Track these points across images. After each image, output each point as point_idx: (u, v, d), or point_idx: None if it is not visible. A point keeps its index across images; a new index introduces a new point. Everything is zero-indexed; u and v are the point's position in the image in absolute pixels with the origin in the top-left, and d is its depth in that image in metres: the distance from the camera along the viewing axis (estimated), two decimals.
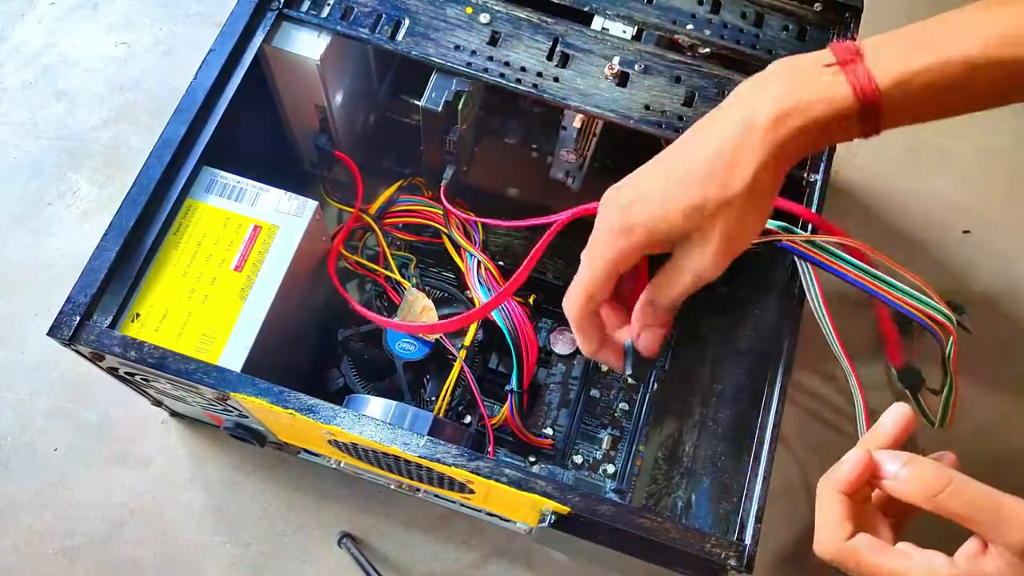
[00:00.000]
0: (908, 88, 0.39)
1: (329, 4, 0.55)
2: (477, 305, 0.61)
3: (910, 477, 0.37)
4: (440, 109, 0.54)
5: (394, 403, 0.53)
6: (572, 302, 0.46)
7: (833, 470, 0.39)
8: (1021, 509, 0.35)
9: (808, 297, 0.48)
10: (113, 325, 0.46)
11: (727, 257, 0.42)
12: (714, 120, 0.42)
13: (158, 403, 0.61)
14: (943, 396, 0.49)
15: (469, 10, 0.55)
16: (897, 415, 0.40)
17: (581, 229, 0.69)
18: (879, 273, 0.47)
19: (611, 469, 0.63)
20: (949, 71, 0.38)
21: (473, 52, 0.54)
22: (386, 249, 0.64)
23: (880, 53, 0.40)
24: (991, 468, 0.67)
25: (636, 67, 0.54)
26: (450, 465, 0.44)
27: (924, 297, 0.46)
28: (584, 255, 0.45)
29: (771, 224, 0.48)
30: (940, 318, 0.46)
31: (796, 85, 0.40)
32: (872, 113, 0.39)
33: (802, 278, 0.49)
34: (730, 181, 0.40)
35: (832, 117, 0.39)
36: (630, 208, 0.42)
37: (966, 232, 0.75)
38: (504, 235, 0.69)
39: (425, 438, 0.45)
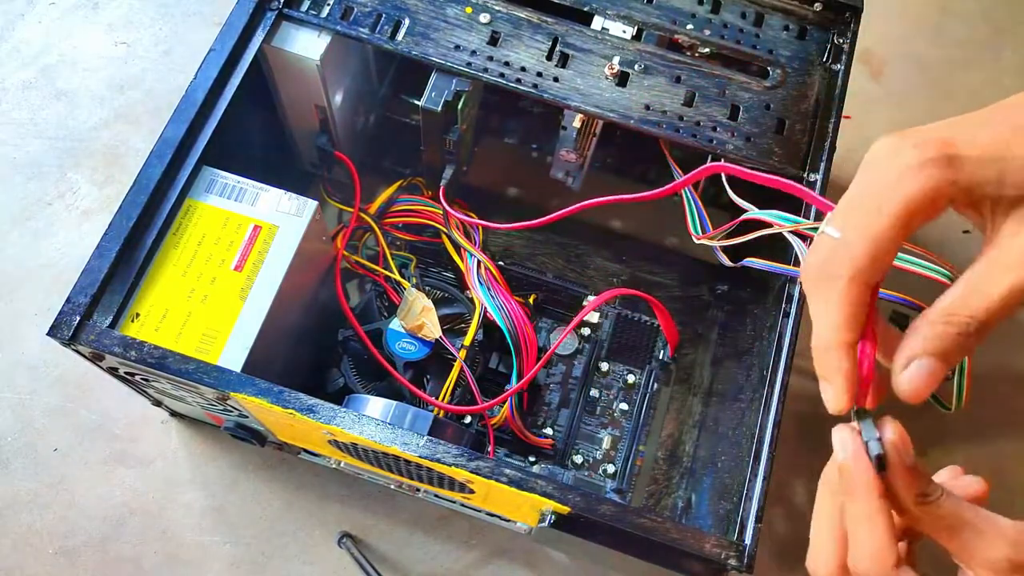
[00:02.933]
0: None
1: (329, 4, 0.55)
2: (477, 305, 0.61)
3: (900, 488, 0.32)
4: (440, 109, 0.54)
5: (394, 403, 0.53)
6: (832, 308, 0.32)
7: (860, 471, 0.32)
8: (996, 534, 0.31)
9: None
10: (113, 325, 0.46)
11: None
12: None
13: (158, 403, 0.61)
14: (955, 376, 0.48)
15: (469, 10, 0.55)
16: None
17: (581, 229, 0.69)
18: None
19: (611, 469, 0.63)
20: None
21: (473, 52, 0.54)
22: (386, 249, 0.64)
23: None
24: (994, 466, 0.67)
25: (636, 67, 0.54)
26: (450, 465, 0.44)
27: (924, 261, 0.44)
28: (839, 221, 0.32)
29: (773, 218, 0.48)
30: (943, 280, 0.44)
31: None
32: None
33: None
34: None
35: None
36: (944, 140, 0.30)
37: (966, 232, 0.75)
38: (504, 235, 0.69)
39: (425, 438, 0.45)
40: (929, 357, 0.31)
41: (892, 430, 0.32)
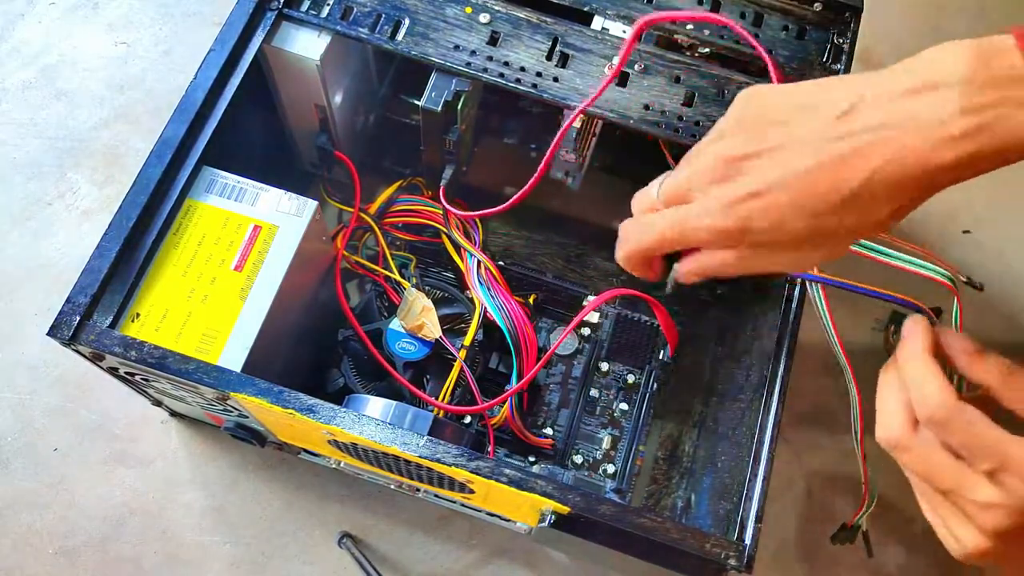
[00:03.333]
0: None
1: (329, 4, 0.55)
2: (477, 305, 0.61)
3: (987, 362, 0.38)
4: (440, 109, 0.54)
5: (394, 403, 0.53)
6: (627, 260, 0.42)
7: (907, 343, 0.39)
8: None
9: (809, 291, 0.48)
10: (113, 325, 0.46)
11: (814, 266, 0.39)
12: (869, 131, 0.34)
13: (158, 403, 0.61)
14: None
15: (469, 10, 0.55)
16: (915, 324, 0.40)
17: (581, 229, 0.69)
18: (874, 244, 0.45)
19: (611, 469, 0.63)
20: None
21: (473, 52, 0.54)
22: (386, 249, 0.64)
23: None
24: None
25: (636, 67, 0.54)
26: (450, 465, 0.44)
27: (923, 262, 0.45)
28: (659, 216, 0.40)
29: None
30: (941, 279, 0.44)
31: (985, 113, 0.32)
32: None
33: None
34: (871, 214, 0.35)
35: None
36: (749, 211, 0.37)
37: (966, 232, 0.75)
38: (504, 235, 0.69)
39: (425, 438, 0.45)
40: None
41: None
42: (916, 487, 0.40)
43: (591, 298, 0.66)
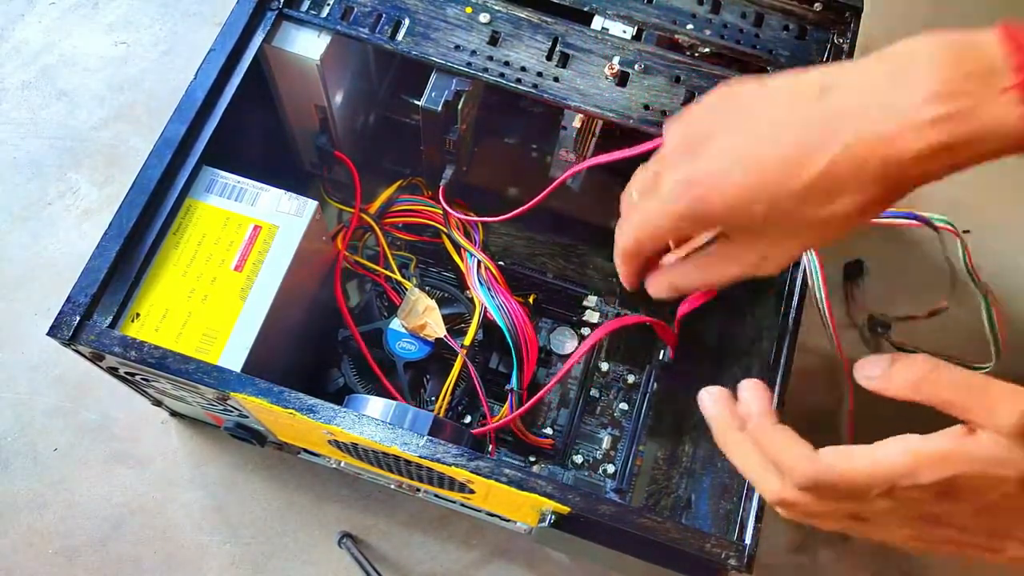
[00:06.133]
0: None
1: (329, 4, 0.55)
2: (477, 305, 0.61)
3: (898, 370, 0.35)
4: (440, 109, 0.54)
5: (394, 403, 0.53)
6: (618, 266, 0.42)
7: (734, 417, 0.39)
8: (1010, 391, 0.33)
9: (810, 281, 0.48)
10: (113, 325, 0.46)
11: (790, 263, 0.37)
12: (835, 111, 0.33)
13: (158, 403, 0.61)
14: (986, 320, 0.46)
15: (469, 10, 0.55)
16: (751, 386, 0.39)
17: (581, 229, 0.69)
18: None
19: (611, 469, 0.63)
20: None
21: (473, 52, 0.54)
22: (386, 249, 0.64)
23: None
24: None
25: (636, 67, 0.54)
26: (450, 465, 0.44)
27: (917, 213, 0.44)
28: (640, 210, 0.39)
29: None
30: (941, 224, 0.44)
31: (959, 100, 0.31)
32: None
33: (805, 261, 0.49)
34: (835, 203, 0.34)
35: (995, 149, 0.32)
36: (705, 191, 0.35)
37: (966, 232, 0.75)
38: (504, 235, 0.69)
39: (425, 438, 0.45)
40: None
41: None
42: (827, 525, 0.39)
43: (592, 298, 0.66)
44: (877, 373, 0.36)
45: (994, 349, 0.46)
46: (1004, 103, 0.30)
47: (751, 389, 0.39)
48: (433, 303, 0.60)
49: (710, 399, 0.41)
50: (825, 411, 0.67)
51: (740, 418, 0.39)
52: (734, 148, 0.35)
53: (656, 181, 0.38)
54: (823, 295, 0.47)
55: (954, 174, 0.33)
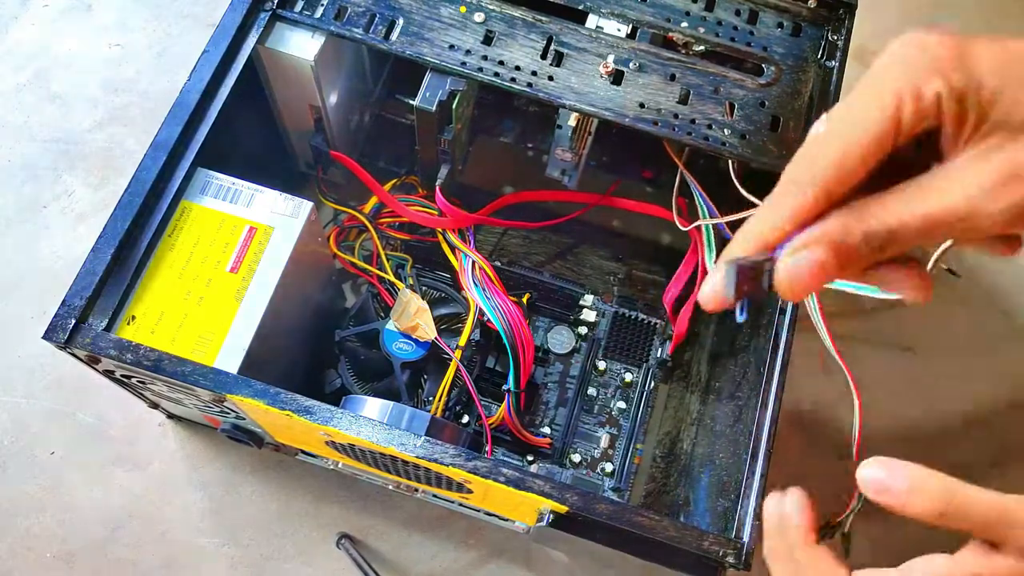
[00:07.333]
0: None
1: (323, 4, 0.55)
2: (472, 305, 0.61)
3: (915, 500, 0.32)
4: (435, 108, 0.54)
5: (391, 404, 0.53)
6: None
7: (779, 526, 0.34)
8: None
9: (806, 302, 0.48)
10: (109, 328, 0.46)
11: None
12: None
13: (155, 405, 0.61)
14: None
15: (463, 9, 0.55)
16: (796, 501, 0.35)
17: (577, 228, 0.69)
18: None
19: (609, 468, 0.63)
20: None
21: (467, 51, 0.54)
22: (380, 249, 0.63)
23: None
24: (992, 458, 0.67)
25: (631, 65, 0.54)
26: (448, 465, 0.44)
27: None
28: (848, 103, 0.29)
29: None
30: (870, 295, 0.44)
31: None
32: None
33: None
34: None
35: None
36: (959, 45, 0.28)
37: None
38: (500, 234, 0.69)
39: (422, 438, 0.45)
40: (823, 248, 0.28)
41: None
42: None
43: (588, 297, 0.67)
44: (897, 490, 0.32)
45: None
46: None
47: (796, 504, 0.35)
48: (425, 304, 0.60)
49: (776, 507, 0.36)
50: (826, 407, 0.68)
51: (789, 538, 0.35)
52: None
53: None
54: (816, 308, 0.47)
55: None
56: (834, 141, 0.29)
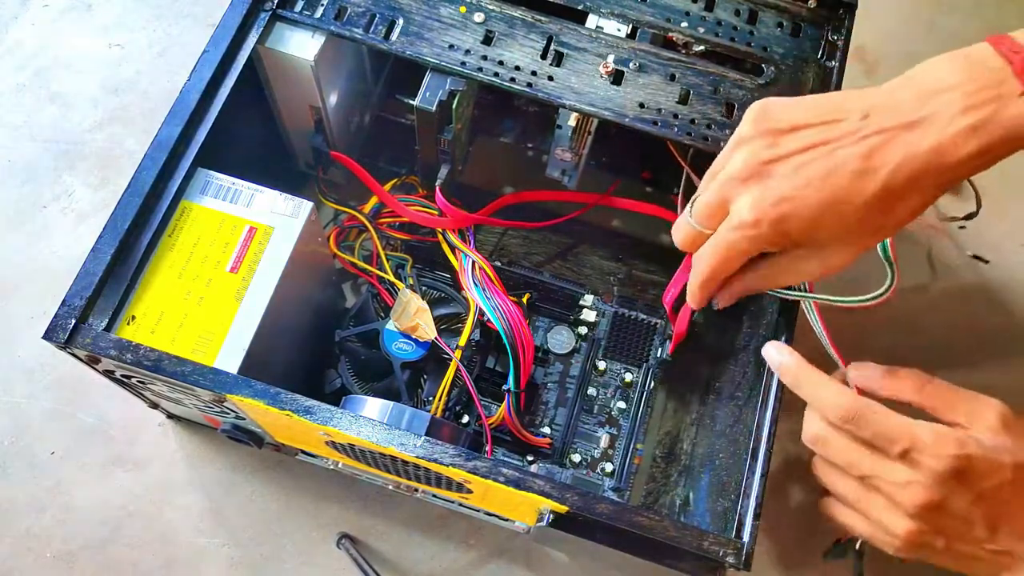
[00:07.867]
0: None
1: (323, 4, 0.55)
2: (472, 305, 0.61)
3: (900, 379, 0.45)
4: (434, 108, 0.54)
5: (391, 404, 0.53)
6: (701, 295, 0.48)
7: (783, 366, 0.47)
8: (980, 398, 0.43)
9: (803, 304, 0.49)
10: (109, 328, 0.46)
11: (846, 266, 0.42)
12: (881, 147, 0.39)
13: (155, 405, 0.61)
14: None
15: (463, 9, 0.55)
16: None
17: (577, 228, 0.69)
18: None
19: (609, 467, 0.63)
20: None
21: (467, 51, 0.54)
22: (380, 249, 0.63)
23: None
24: None
25: (631, 65, 0.54)
26: (448, 465, 0.44)
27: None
28: (716, 241, 0.44)
29: None
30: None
31: (984, 108, 0.37)
32: None
33: None
34: (895, 210, 0.39)
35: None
36: (783, 214, 0.40)
37: (962, 228, 0.75)
38: (500, 233, 0.69)
39: (422, 438, 0.45)
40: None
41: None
42: (839, 492, 0.46)
43: (588, 297, 0.67)
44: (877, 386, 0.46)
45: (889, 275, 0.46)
46: (1022, 103, 0.37)
47: (780, 348, 0.47)
48: (424, 304, 0.60)
49: (777, 351, 0.48)
50: None
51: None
52: (801, 169, 0.40)
53: (723, 207, 0.42)
54: (817, 319, 0.48)
55: None
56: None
